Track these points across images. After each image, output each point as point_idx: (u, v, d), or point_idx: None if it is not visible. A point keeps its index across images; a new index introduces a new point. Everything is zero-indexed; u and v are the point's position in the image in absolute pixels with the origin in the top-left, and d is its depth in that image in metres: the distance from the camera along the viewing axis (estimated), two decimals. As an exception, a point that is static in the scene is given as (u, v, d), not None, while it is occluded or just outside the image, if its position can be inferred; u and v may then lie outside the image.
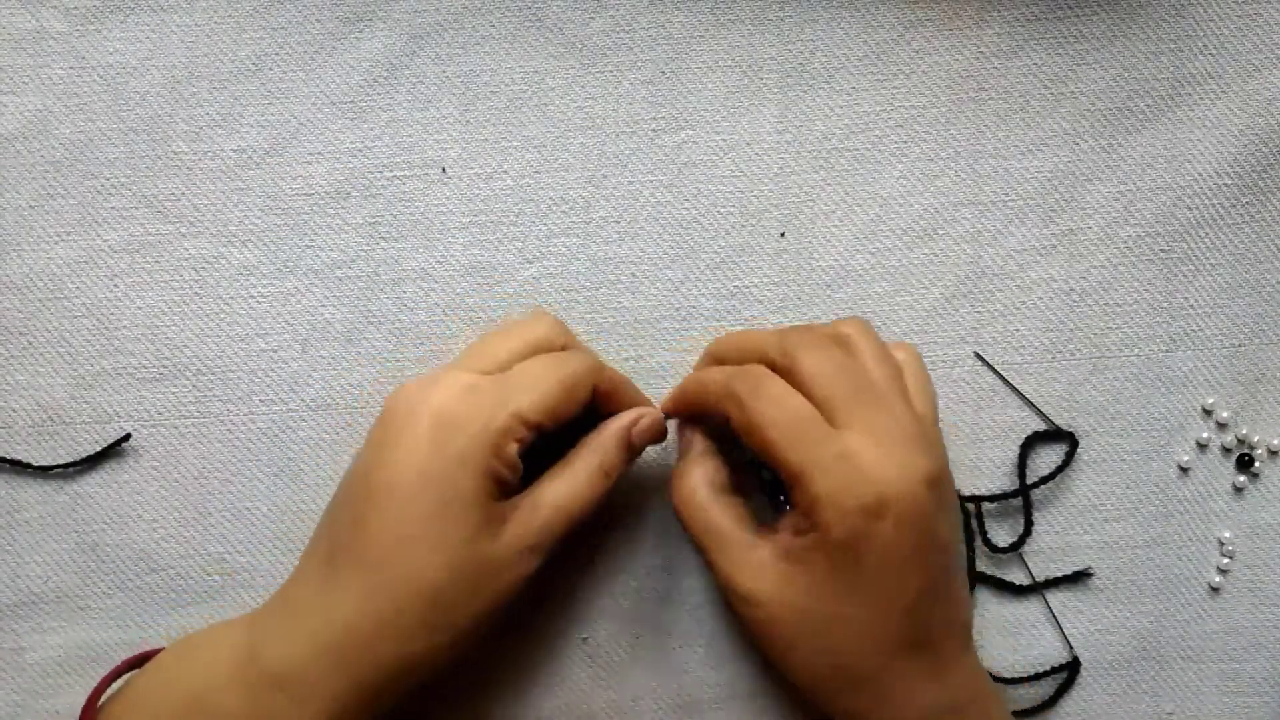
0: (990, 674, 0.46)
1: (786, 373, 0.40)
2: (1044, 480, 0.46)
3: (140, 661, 0.41)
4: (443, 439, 0.38)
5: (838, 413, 0.39)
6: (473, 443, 0.38)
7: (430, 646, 0.38)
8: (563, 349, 0.43)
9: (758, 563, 0.40)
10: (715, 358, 0.44)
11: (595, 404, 0.42)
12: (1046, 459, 0.47)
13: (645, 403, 0.44)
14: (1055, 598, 0.47)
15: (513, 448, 0.39)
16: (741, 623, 0.42)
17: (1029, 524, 0.47)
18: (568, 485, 0.41)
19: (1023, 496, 0.46)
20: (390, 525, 0.38)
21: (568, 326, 0.44)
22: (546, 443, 0.41)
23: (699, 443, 0.43)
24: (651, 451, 0.44)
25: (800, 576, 0.39)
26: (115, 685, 0.41)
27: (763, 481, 0.44)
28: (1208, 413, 0.47)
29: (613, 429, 0.42)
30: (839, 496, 0.38)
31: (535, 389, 0.40)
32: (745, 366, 0.41)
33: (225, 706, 0.38)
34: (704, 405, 0.42)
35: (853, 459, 0.38)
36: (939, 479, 0.39)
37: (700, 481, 0.42)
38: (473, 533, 0.38)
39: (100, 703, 0.40)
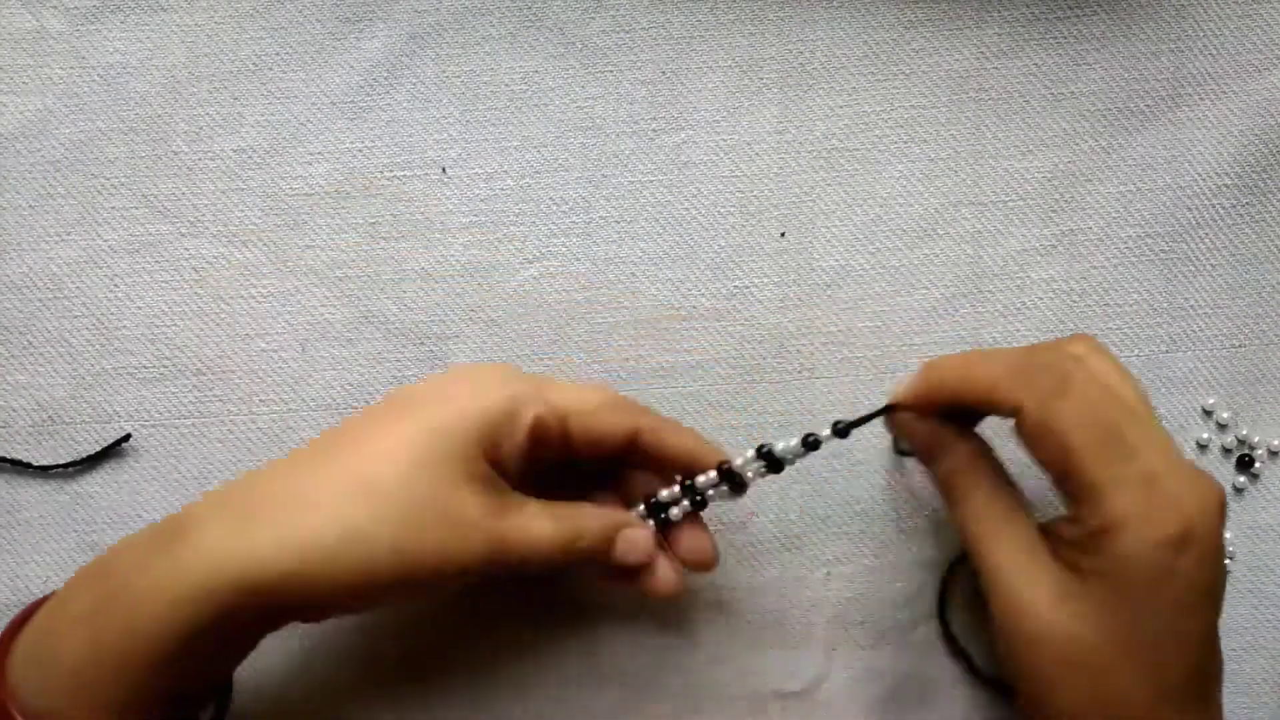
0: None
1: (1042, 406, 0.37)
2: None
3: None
4: (477, 387, 0.38)
5: (1126, 431, 0.36)
6: (495, 394, 0.38)
7: (329, 550, 0.34)
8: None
9: (1037, 564, 0.37)
10: (939, 384, 0.39)
11: (644, 442, 0.40)
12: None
13: (697, 437, 0.41)
14: (1055, 598, 0.47)
15: (528, 418, 0.38)
16: (1000, 637, 0.38)
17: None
18: (541, 529, 0.38)
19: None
20: (387, 423, 0.37)
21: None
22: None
23: (947, 427, 0.39)
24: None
25: (1084, 603, 0.36)
26: None
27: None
28: (1208, 413, 0.47)
29: (605, 522, 0.40)
30: (1141, 524, 0.35)
31: (573, 391, 0.39)
32: (1041, 358, 0.38)
33: (117, 564, 0.35)
34: (970, 395, 0.38)
35: (1157, 482, 0.35)
36: (1225, 506, 0.36)
37: (969, 458, 0.39)
38: (450, 468, 0.36)
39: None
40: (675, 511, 0.41)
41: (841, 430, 0.40)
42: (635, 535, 0.40)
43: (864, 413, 0.40)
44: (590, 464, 0.41)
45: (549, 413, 0.38)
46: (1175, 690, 0.35)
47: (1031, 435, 0.37)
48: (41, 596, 0.38)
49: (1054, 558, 0.37)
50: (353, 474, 0.36)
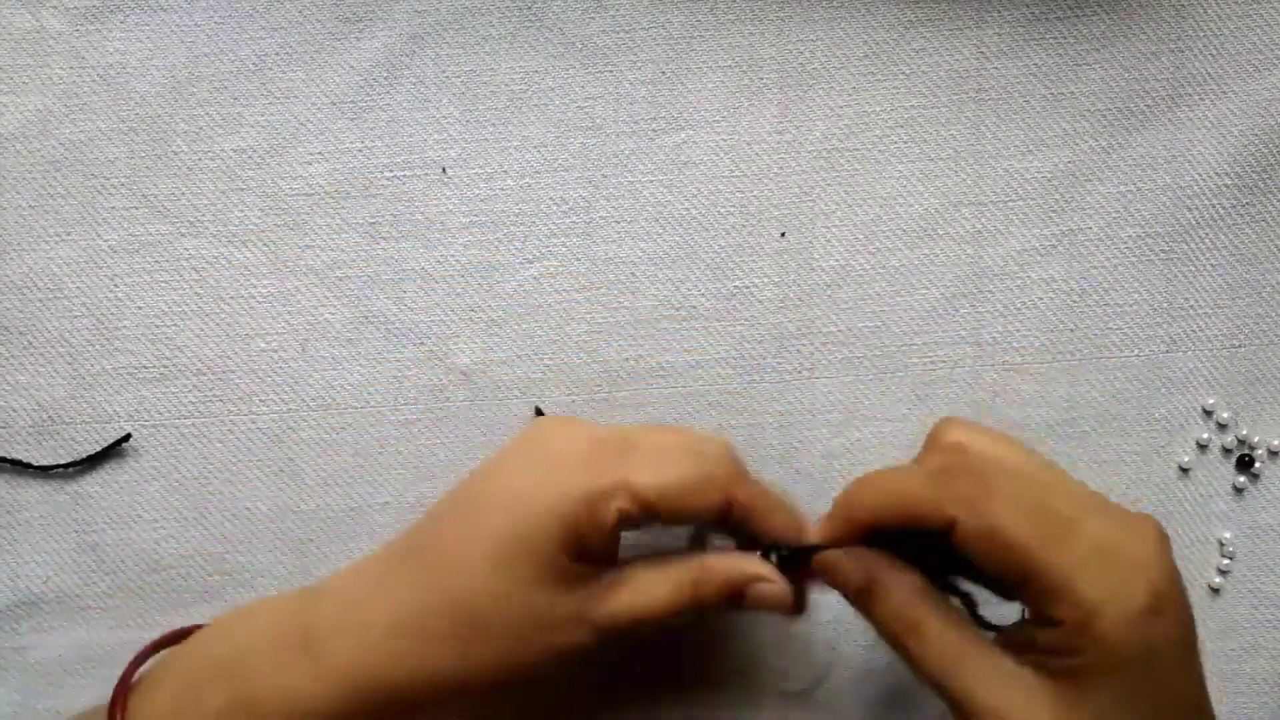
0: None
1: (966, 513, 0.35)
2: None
3: (179, 637, 0.40)
4: (549, 477, 0.37)
5: (1052, 502, 0.35)
6: (570, 493, 0.36)
7: (445, 670, 0.37)
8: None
9: (1027, 692, 0.34)
10: (858, 513, 0.37)
11: (734, 517, 0.38)
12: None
13: (793, 519, 0.39)
14: (1055, 598, 0.47)
15: (611, 515, 0.36)
16: None
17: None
18: (651, 589, 0.37)
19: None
20: (463, 532, 0.37)
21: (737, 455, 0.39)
22: None
23: (879, 558, 0.37)
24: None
25: (1090, 708, 0.33)
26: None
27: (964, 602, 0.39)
28: (1208, 413, 0.47)
29: (732, 571, 0.38)
30: (1112, 600, 0.33)
31: (658, 469, 0.37)
32: (954, 467, 0.36)
33: (251, 666, 0.37)
34: (893, 514, 0.36)
35: (1108, 550, 0.34)
36: (1168, 537, 0.36)
37: (913, 593, 0.36)
38: (535, 574, 0.36)
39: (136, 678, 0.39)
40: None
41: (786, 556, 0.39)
42: (768, 590, 0.38)
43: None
44: None
45: (633, 504, 0.36)
46: None
47: (976, 544, 0.35)
48: (135, 658, 0.39)
49: (1036, 673, 0.35)
50: (457, 605, 0.37)
